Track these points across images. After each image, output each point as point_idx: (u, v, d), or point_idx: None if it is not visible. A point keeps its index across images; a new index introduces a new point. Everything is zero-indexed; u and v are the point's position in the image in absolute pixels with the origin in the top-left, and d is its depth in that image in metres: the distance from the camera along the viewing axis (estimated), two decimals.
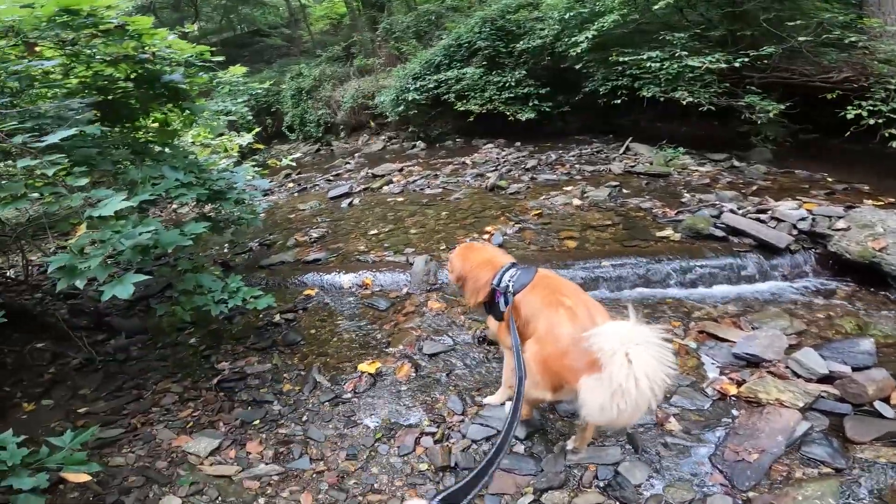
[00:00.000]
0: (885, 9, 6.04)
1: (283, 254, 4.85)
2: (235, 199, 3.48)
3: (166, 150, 3.58)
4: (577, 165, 6.70)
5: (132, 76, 3.25)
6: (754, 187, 5.23)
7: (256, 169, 4.53)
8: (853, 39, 5.51)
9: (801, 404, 2.35)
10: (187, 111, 3.69)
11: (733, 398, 2.50)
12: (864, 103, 5.14)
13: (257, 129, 6.20)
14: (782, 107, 5.77)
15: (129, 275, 2.21)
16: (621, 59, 6.45)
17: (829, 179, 5.31)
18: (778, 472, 2.07)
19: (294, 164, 6.72)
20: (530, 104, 8.14)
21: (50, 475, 1.91)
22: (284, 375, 3.15)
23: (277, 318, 3.81)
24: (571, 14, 7.02)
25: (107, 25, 2.71)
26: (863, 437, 2.18)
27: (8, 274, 4.55)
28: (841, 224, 3.85)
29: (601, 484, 2.13)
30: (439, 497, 0.69)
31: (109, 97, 3.25)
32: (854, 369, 2.54)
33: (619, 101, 6.84)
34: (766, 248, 3.94)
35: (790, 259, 3.88)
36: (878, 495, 1.92)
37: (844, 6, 6.28)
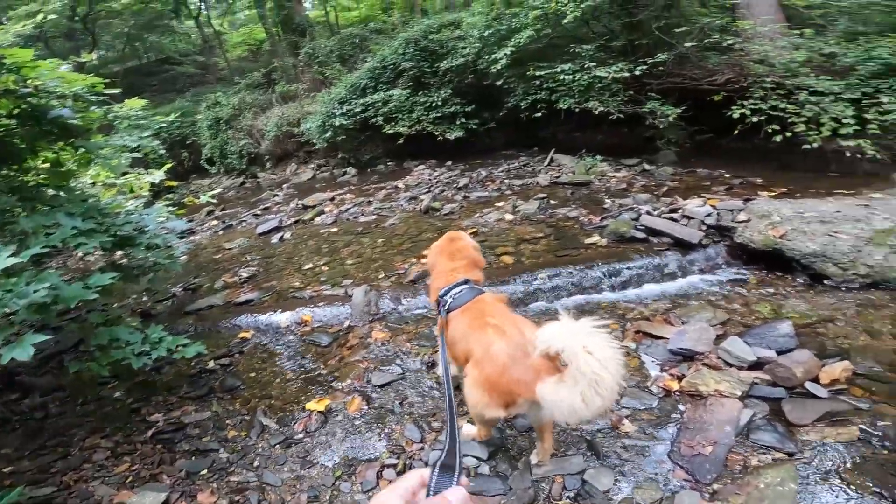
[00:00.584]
0: (754, 10, 6.83)
1: (210, 297, 4.52)
2: (147, 243, 3.19)
3: (61, 193, 3.21)
4: (506, 181, 6.92)
5: (15, 112, 2.90)
6: (665, 188, 5.67)
7: (171, 209, 4.19)
8: (730, 42, 6.14)
9: (739, 393, 2.47)
10: (81, 149, 3.34)
11: (677, 393, 2.61)
12: (745, 103, 5.72)
13: (171, 164, 5.76)
14: (679, 111, 6.28)
15: (28, 335, 2.03)
16: (538, 73, 6.79)
17: (727, 175, 5.86)
18: (735, 461, 2.15)
19: (215, 200, 6.32)
20: (458, 122, 8.34)
21: None
22: (227, 422, 2.97)
23: (211, 364, 3.57)
24: (490, 31, 7.32)
25: None
26: (804, 420, 2.29)
27: None
28: (742, 216, 4.24)
29: (570, 494, 2.13)
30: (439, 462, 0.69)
31: None
32: (778, 353, 2.72)
33: (539, 115, 7.16)
34: (682, 245, 4.25)
35: (704, 253, 4.21)
36: (832, 475, 2.03)
37: (720, 10, 7.03)
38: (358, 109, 8.64)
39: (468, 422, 2.53)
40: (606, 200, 5.47)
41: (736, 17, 6.77)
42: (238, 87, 12.38)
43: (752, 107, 5.69)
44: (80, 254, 5.31)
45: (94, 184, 4.82)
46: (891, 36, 5.76)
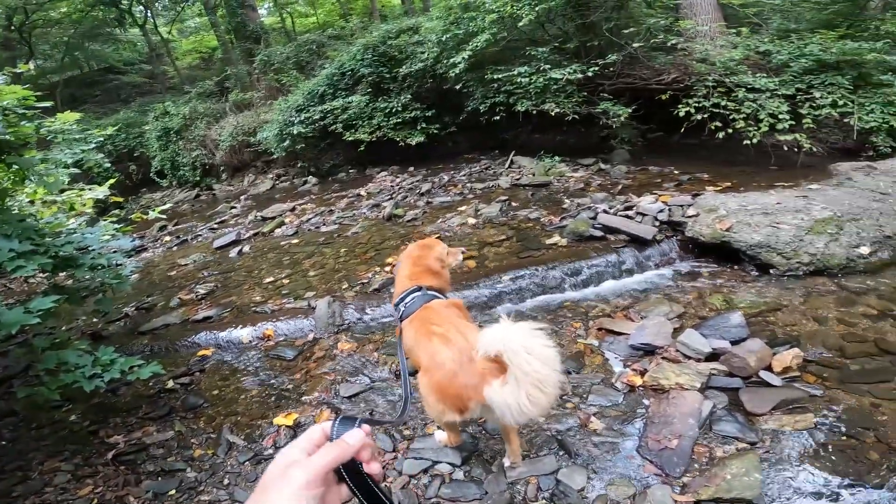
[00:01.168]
0: (696, 10, 7.16)
1: (166, 315, 4.32)
2: (91, 264, 3.03)
3: None
4: (468, 184, 6.97)
5: None
6: (619, 186, 5.85)
7: (118, 226, 3.97)
8: (673, 42, 6.40)
9: (699, 385, 2.55)
10: (14, 166, 3.12)
11: (640, 388, 2.68)
12: (690, 101, 5.99)
13: (117, 178, 5.46)
14: (629, 110, 6.49)
15: None
16: (495, 76, 6.87)
17: (676, 172, 6.08)
18: (701, 454, 2.22)
19: (165, 216, 6.05)
20: (419, 128, 8.32)
21: None
22: (192, 441, 2.86)
23: (171, 384, 3.43)
24: (448, 36, 7.33)
25: None
26: (761, 409, 2.38)
27: None
28: (691, 211, 4.44)
29: (546, 495, 2.15)
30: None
31: None
32: (732, 343, 2.83)
33: (498, 118, 7.25)
34: (638, 242, 4.39)
35: (659, 249, 4.37)
36: (793, 462, 2.12)
37: (665, 10, 7.34)
38: (317, 117, 8.48)
39: (438, 428, 2.52)
40: (565, 200, 5.60)
41: (679, 17, 7.08)
42: (189, 96, 11.94)
43: (696, 105, 5.95)
44: (21, 276, 4.95)
45: (32, 202, 4.52)
46: (821, 32, 6.15)
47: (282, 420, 2.86)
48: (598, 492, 2.14)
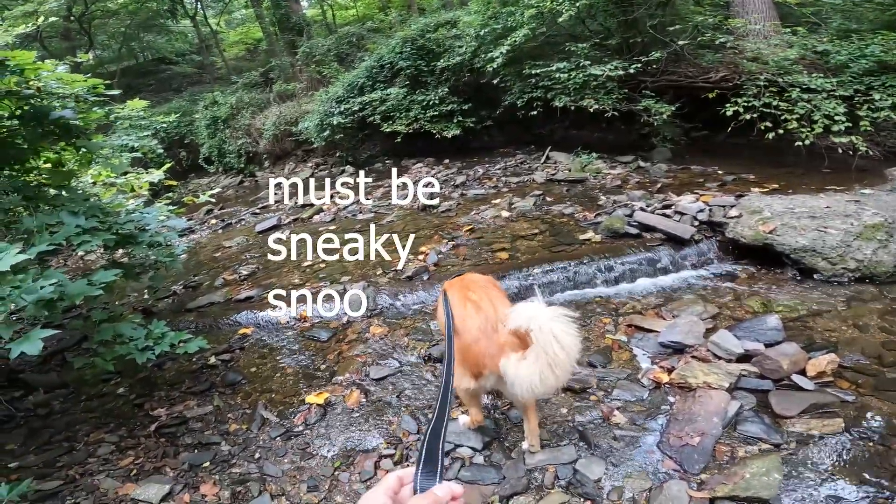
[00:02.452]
0: (748, 8, 6.91)
1: (211, 294, 4.57)
2: (148, 241, 3.24)
3: (63, 193, 3.26)
4: (503, 178, 6.99)
5: (17, 113, 2.94)
6: (658, 185, 5.75)
7: (171, 207, 4.24)
8: (722, 40, 6.22)
9: (727, 385, 2.53)
10: (83, 149, 3.39)
11: (667, 385, 2.68)
12: (739, 100, 5.82)
13: (170, 164, 5.81)
14: (672, 108, 6.38)
15: (36, 331, 2.08)
16: (534, 71, 6.85)
17: (720, 172, 5.93)
18: (722, 452, 2.22)
19: (214, 199, 6.38)
20: (455, 121, 8.38)
21: None
22: (229, 416, 3.02)
23: (213, 360, 3.62)
24: (486, 30, 7.36)
25: None
26: (790, 411, 2.36)
27: None
28: (734, 212, 4.33)
29: (563, 483, 2.19)
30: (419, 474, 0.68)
31: None
32: (766, 346, 2.78)
33: (535, 113, 7.22)
34: (675, 241, 4.33)
35: (696, 248, 4.29)
36: (816, 466, 2.09)
37: (714, 8, 7.11)
38: (356, 108, 8.66)
39: (463, 412, 2.60)
40: (601, 197, 5.55)
41: (730, 16, 6.84)
42: (236, 86, 12.39)
43: (745, 104, 5.77)
44: (80, 253, 5.35)
45: (94, 183, 4.88)
46: (883, 34, 5.84)
47: (313, 399, 2.98)
48: (614, 483, 2.17)
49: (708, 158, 6.54)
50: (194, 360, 3.62)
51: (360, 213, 6.44)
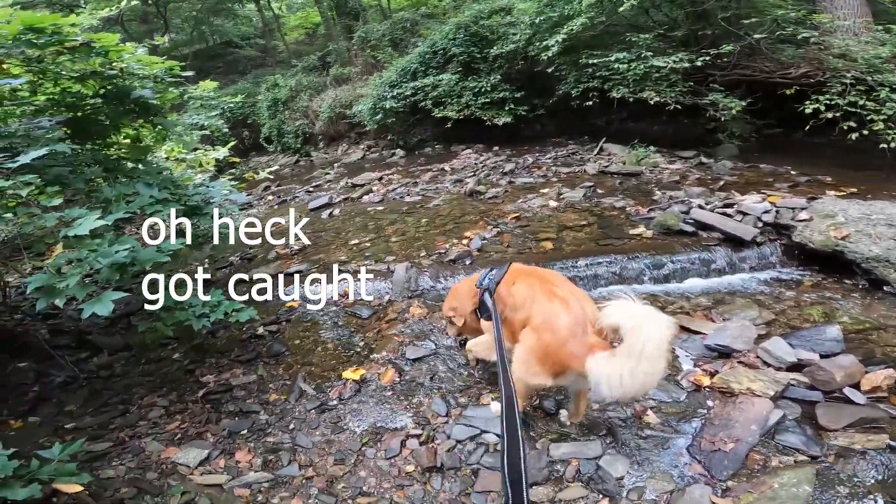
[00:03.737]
0: (836, 4, 6.33)
1: (264, 267, 4.83)
2: (212, 213, 3.47)
3: (139, 166, 3.55)
4: (553, 167, 6.84)
5: (101, 92, 3.22)
6: (721, 182, 5.43)
7: (233, 183, 4.51)
8: (806, 35, 5.75)
9: (772, 393, 2.41)
10: (159, 126, 3.66)
11: (707, 389, 2.58)
12: (821, 97, 5.38)
13: (234, 142, 6.17)
14: (744, 103, 6.00)
15: (107, 293, 2.20)
16: (591, 61, 6.63)
17: (793, 172, 5.53)
18: (755, 461, 2.13)
19: (272, 176, 6.71)
20: (507, 108, 8.27)
21: (42, 486, 1.89)
22: (270, 386, 3.16)
23: (261, 330, 3.79)
24: (542, 18, 7.19)
25: (72, 43, 2.70)
26: (835, 424, 2.23)
27: None
28: (804, 215, 4.02)
29: (584, 478, 2.18)
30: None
31: (79, 114, 3.22)
32: (822, 356, 2.62)
33: (590, 103, 7.00)
34: (734, 242, 4.10)
35: (757, 251, 4.05)
36: (852, 481, 1.97)
37: (797, 2, 6.58)
38: (408, 93, 8.74)
39: (493, 399, 2.62)
40: (656, 192, 5.33)
41: (815, 11, 6.32)
42: (295, 69, 12.81)
43: (828, 102, 5.34)
44: (148, 223, 5.81)
45: (167, 158, 5.28)
46: None
47: (350, 374, 3.07)
48: (636, 482, 2.13)
49: (780, 157, 6.11)
50: (244, 329, 3.80)
51: (409, 195, 6.54)
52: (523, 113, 8.34)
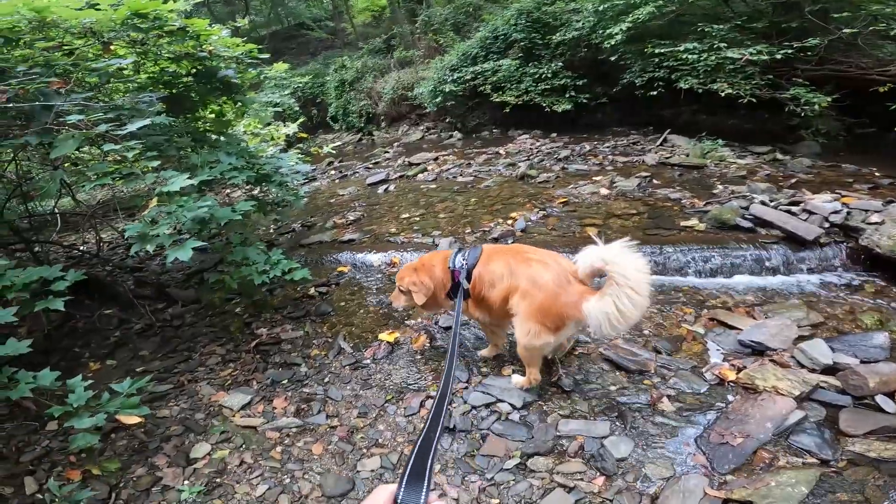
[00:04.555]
0: None
1: (321, 234, 5.23)
2: (280, 181, 3.84)
3: (221, 138, 3.99)
4: (610, 156, 6.71)
5: (192, 72, 3.65)
6: (793, 180, 5.11)
7: (300, 156, 4.90)
8: None
9: (798, 393, 2.36)
10: (239, 103, 4.07)
11: (731, 384, 2.56)
12: None
13: (303, 120, 6.62)
14: (829, 99, 5.59)
15: (189, 241, 2.55)
16: (657, 50, 6.38)
17: (877, 174, 5.10)
18: (761, 458, 2.12)
19: (334, 151, 7.10)
20: (567, 96, 8.14)
21: (106, 417, 2.16)
22: (314, 342, 3.46)
23: (312, 291, 4.14)
24: (606, 6, 6.98)
25: (170, 27, 3.08)
26: (856, 430, 2.17)
27: (82, 248, 5.15)
28: (875, 218, 3.75)
29: (586, 455, 2.26)
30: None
31: (174, 91, 3.68)
32: (862, 362, 2.51)
33: (656, 93, 6.78)
34: (794, 241, 3.90)
35: (819, 252, 3.83)
36: (854, 489, 1.92)
37: None
38: (468, 77, 8.82)
39: (515, 372, 2.76)
40: (717, 186, 5.13)
41: None
42: (362, 51, 13.22)
43: None
44: (227, 191, 6.42)
45: (245, 132, 5.81)
46: None
47: (385, 336, 3.32)
48: (635, 465, 2.17)
49: (867, 158, 5.63)
50: (298, 289, 4.17)
51: (461, 176, 6.71)
52: (584, 101, 8.16)
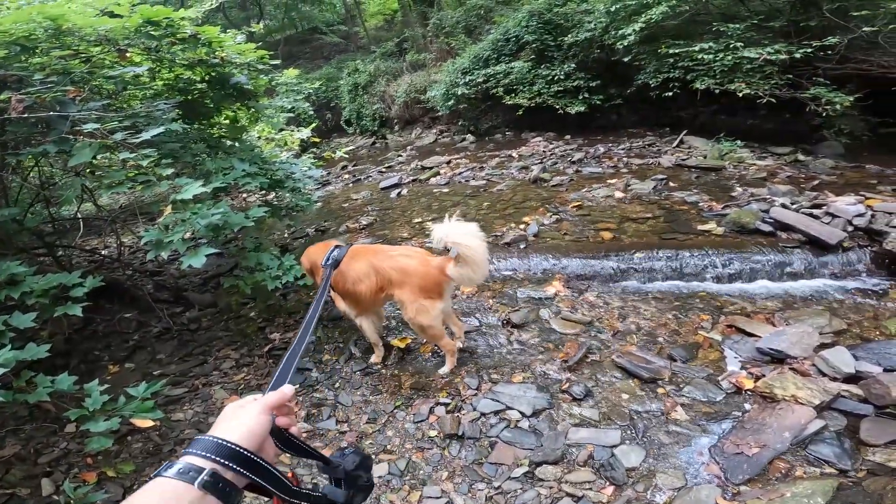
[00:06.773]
0: None
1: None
2: (292, 186, 3.87)
3: (236, 144, 4.04)
4: (625, 158, 6.62)
5: (206, 78, 3.71)
6: (815, 182, 4.98)
7: (313, 161, 4.94)
8: None
9: (817, 402, 2.30)
10: (252, 109, 4.12)
11: (748, 392, 2.50)
12: None
13: (317, 124, 6.67)
14: (851, 99, 5.43)
15: (202, 247, 2.57)
16: (671, 50, 6.28)
17: None
18: (778, 468, 2.07)
19: (348, 155, 7.14)
20: (580, 97, 8.05)
21: (122, 420, 2.18)
22: (325, 347, 3.48)
23: None
24: (619, 6, 6.89)
25: (183, 34, 3.13)
26: (877, 440, 2.10)
27: (103, 252, 5.26)
28: None
29: (595, 464, 2.22)
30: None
31: (188, 97, 3.73)
32: (886, 370, 2.43)
33: (671, 94, 6.67)
34: (816, 245, 3.80)
35: (842, 256, 3.72)
36: (873, 499, 1.86)
37: None
38: (480, 80, 8.79)
39: (518, 374, 2.73)
40: (736, 188, 5.01)
41: None
42: (374, 55, 13.29)
43: None
44: (244, 196, 6.51)
45: (259, 137, 5.88)
46: None
47: (396, 342, 3.30)
48: (645, 475, 2.13)
49: (892, 158, 5.45)
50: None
51: (474, 179, 6.69)
52: (598, 102, 8.06)
